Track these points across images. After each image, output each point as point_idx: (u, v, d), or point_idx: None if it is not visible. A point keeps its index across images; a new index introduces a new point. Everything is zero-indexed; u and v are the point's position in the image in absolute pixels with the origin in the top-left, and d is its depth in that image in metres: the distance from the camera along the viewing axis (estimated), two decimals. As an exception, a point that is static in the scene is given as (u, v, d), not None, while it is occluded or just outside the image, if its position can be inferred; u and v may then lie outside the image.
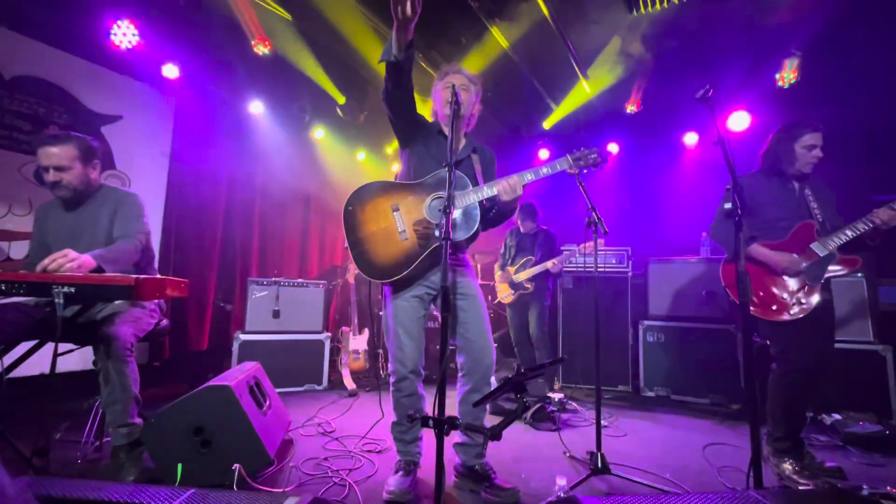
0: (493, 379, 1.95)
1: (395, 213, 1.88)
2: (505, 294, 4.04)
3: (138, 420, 1.93)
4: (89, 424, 2.22)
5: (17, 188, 3.19)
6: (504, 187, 1.80)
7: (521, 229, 4.07)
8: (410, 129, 2.02)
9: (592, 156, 1.88)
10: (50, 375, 1.50)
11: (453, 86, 1.80)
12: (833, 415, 2.80)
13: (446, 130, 2.02)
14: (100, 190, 2.20)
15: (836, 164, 3.46)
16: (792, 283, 2.14)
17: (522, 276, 3.88)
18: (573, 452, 2.37)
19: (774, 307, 2.13)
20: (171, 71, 3.83)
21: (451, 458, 2.07)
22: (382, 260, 1.86)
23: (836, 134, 3.72)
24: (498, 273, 4.14)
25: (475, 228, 1.85)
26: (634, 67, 4.40)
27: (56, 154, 2.01)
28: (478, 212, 1.85)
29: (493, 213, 1.99)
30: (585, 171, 1.91)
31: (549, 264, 3.77)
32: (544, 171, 1.85)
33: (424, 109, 2.16)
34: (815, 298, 2.08)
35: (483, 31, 3.83)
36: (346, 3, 3.53)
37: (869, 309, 3.21)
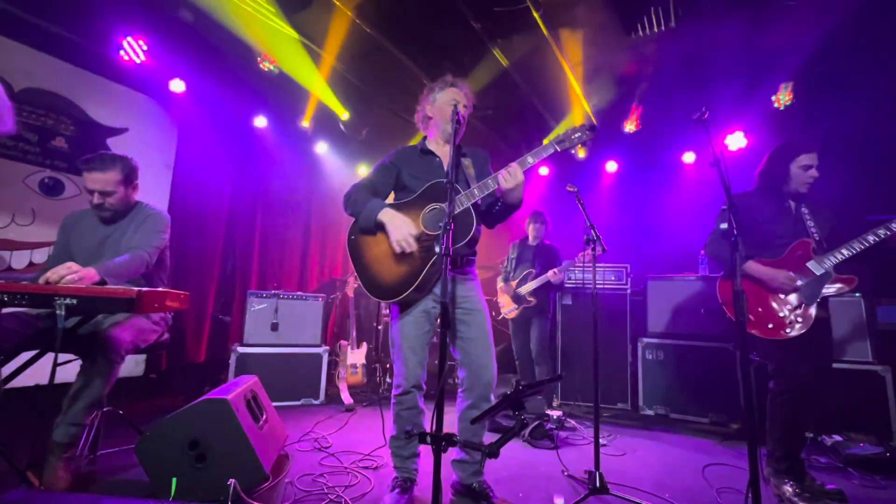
0: (492, 396, 1.95)
1: None
2: (508, 309, 3.99)
3: (84, 421, 1.89)
4: (84, 437, 2.20)
5: (21, 198, 3.22)
6: (504, 175, 1.78)
7: (530, 237, 4.05)
8: (394, 181, 2.05)
9: (576, 135, 1.82)
10: (49, 386, 1.49)
11: (455, 104, 1.82)
12: (833, 436, 2.77)
13: (432, 147, 2.06)
14: (135, 207, 2.26)
15: (830, 185, 3.51)
16: (789, 301, 2.15)
17: (524, 290, 3.85)
18: (571, 471, 2.35)
19: (771, 325, 2.13)
20: (177, 86, 3.91)
21: (449, 475, 2.05)
22: (388, 280, 1.87)
23: (831, 155, 3.80)
24: (500, 285, 4.11)
25: (471, 233, 1.84)
26: (632, 87, 4.48)
27: (103, 180, 2.08)
28: (472, 217, 1.84)
29: (499, 208, 1.95)
30: (573, 151, 1.88)
31: (549, 274, 3.74)
32: (529, 159, 1.81)
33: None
34: (812, 316, 2.09)
35: (484, 51, 3.92)
36: (350, 22, 3.62)
37: (868, 329, 3.21)
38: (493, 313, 4.17)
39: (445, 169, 1.99)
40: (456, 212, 1.81)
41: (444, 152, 2.05)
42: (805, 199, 2.30)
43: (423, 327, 1.93)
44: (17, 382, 1.93)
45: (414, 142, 2.18)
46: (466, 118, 1.97)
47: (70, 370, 2.00)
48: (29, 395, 2.71)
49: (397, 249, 1.80)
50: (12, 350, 1.85)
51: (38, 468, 1.67)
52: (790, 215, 2.28)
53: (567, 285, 4.23)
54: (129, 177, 2.18)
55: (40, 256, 3.25)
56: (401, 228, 1.81)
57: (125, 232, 2.18)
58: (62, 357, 1.59)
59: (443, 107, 2.00)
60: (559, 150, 1.82)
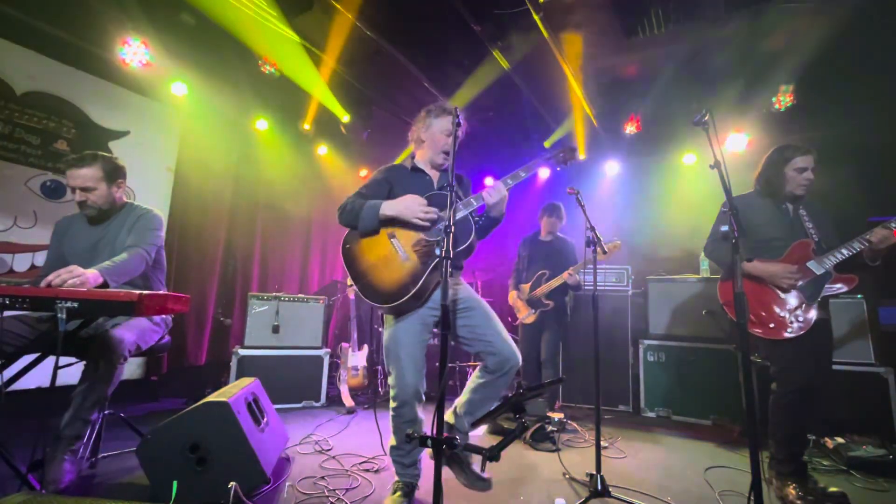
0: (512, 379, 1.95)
1: (392, 240, 1.90)
2: (525, 314, 3.77)
3: (94, 417, 1.94)
4: (85, 439, 2.21)
5: (22, 201, 3.23)
6: (489, 192, 1.87)
7: (543, 231, 3.89)
8: (386, 195, 2.05)
9: (561, 154, 2.02)
10: (50, 389, 1.49)
11: (455, 108, 1.82)
12: (836, 438, 2.76)
13: (420, 166, 2.08)
14: (124, 208, 2.27)
15: (832, 186, 3.50)
16: (789, 301, 2.15)
17: (540, 293, 3.66)
18: (573, 474, 2.34)
19: (772, 325, 2.14)
20: (179, 89, 3.92)
21: (448, 477, 2.05)
22: (387, 285, 1.87)
23: (832, 156, 3.79)
24: (513, 293, 3.87)
25: (469, 240, 1.87)
26: (633, 89, 4.49)
27: (82, 175, 2.09)
28: (470, 224, 1.89)
29: (483, 222, 2.00)
30: (559, 168, 2.05)
31: (564, 275, 3.53)
32: (522, 174, 1.92)
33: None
34: (813, 316, 2.10)
35: (485, 54, 3.92)
36: (351, 25, 3.63)
37: (870, 331, 3.20)
38: (510, 318, 4.07)
39: (436, 188, 2.03)
40: (457, 218, 1.84)
41: (433, 174, 2.09)
42: (802, 200, 2.31)
43: (420, 335, 1.92)
44: (19, 385, 1.93)
45: (399, 160, 2.20)
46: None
47: (72, 372, 2.01)
48: (30, 398, 2.71)
49: (426, 223, 1.84)
50: (14, 353, 1.85)
51: (40, 471, 1.67)
52: (788, 217, 2.30)
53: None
54: (112, 174, 2.17)
55: (42, 259, 3.25)
56: (412, 206, 1.84)
57: (118, 233, 2.18)
58: (64, 359, 1.60)
59: (436, 135, 2.02)
60: (543, 164, 1.97)
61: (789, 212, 2.30)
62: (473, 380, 1.95)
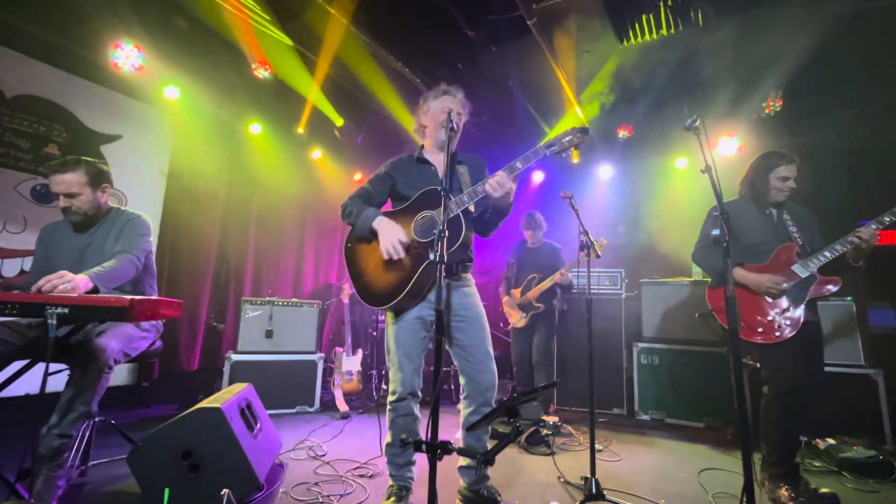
0: (493, 401, 1.94)
1: None
2: (517, 318, 3.87)
3: (76, 431, 1.87)
4: (75, 447, 2.18)
5: (12, 206, 3.19)
6: (492, 185, 1.77)
7: (528, 241, 3.99)
8: (388, 190, 2.08)
9: (567, 138, 1.79)
10: (39, 396, 1.47)
11: (449, 111, 1.83)
12: (827, 439, 2.79)
13: (428, 156, 2.07)
14: (109, 213, 2.24)
15: (821, 190, 3.55)
16: (777, 305, 2.18)
17: (532, 294, 3.75)
18: (567, 477, 2.35)
19: (761, 329, 2.16)
20: (172, 92, 3.90)
21: (456, 480, 2.05)
22: (381, 287, 1.89)
23: (821, 160, 3.85)
24: (504, 299, 3.98)
25: (460, 239, 1.82)
26: (626, 94, 4.53)
27: (66, 181, 2.05)
28: (461, 222, 1.83)
29: (490, 214, 1.95)
30: (563, 155, 1.82)
31: (556, 276, 3.64)
32: (518, 164, 1.80)
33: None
34: (800, 320, 2.12)
35: (479, 59, 3.95)
36: (344, 29, 3.64)
37: (859, 332, 3.24)
38: (501, 324, 4.11)
39: (440, 177, 1.99)
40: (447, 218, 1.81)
41: (439, 160, 2.05)
42: (785, 206, 2.36)
43: (418, 334, 1.94)
44: (8, 392, 1.90)
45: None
46: (461, 126, 1.97)
47: (62, 379, 1.99)
48: (19, 406, 2.68)
49: (385, 256, 1.83)
50: (3, 360, 1.82)
51: (29, 479, 1.64)
52: (772, 222, 2.34)
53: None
54: (96, 179, 2.13)
55: (32, 264, 3.22)
56: (390, 236, 1.84)
57: (105, 239, 2.15)
58: (54, 366, 1.58)
59: (436, 115, 2.01)
60: (548, 154, 1.82)
61: (773, 216, 2.35)
62: (465, 418, 1.96)
